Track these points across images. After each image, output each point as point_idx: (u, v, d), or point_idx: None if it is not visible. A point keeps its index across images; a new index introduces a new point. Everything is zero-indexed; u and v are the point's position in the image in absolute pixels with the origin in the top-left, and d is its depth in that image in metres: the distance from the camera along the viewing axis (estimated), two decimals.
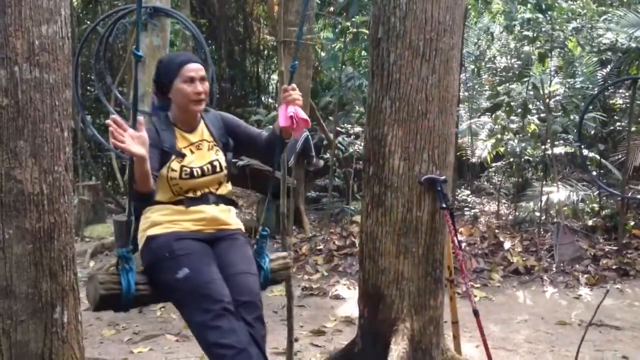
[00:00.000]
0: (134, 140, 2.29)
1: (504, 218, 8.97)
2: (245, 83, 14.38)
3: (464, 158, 10.65)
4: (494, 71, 9.69)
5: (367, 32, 6.87)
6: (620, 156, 8.25)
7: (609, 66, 9.08)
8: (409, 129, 3.44)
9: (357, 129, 8.90)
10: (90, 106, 13.11)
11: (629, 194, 7.78)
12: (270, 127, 3.38)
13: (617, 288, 6.20)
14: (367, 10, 7.93)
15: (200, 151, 2.76)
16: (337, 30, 8.38)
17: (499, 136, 8.37)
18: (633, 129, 7.76)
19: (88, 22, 12.46)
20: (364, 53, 8.17)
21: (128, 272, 2.55)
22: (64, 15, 2.89)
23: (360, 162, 3.97)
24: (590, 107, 8.07)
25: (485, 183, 11.22)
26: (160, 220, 2.67)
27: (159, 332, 4.97)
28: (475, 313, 3.57)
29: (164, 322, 5.21)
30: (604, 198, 8.39)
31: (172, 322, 5.21)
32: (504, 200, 9.86)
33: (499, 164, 10.49)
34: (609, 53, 8.49)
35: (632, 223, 7.83)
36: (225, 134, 2.89)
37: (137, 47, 2.35)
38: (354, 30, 7.51)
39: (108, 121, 2.28)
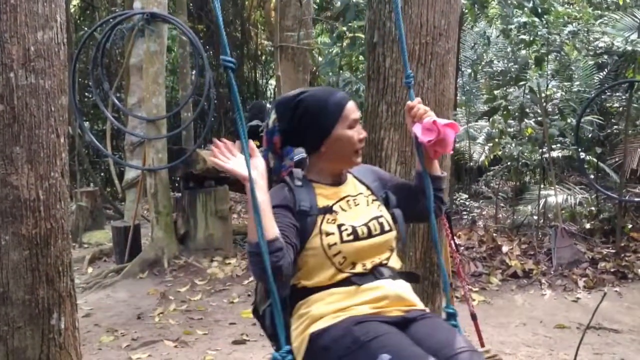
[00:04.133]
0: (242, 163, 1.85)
1: (502, 222, 8.97)
2: (243, 88, 14.40)
3: (462, 162, 10.65)
4: (491, 75, 9.70)
5: (363, 36, 6.89)
6: (617, 159, 8.26)
7: (605, 69, 9.11)
8: (406, 133, 3.44)
9: None
10: (88, 112, 13.13)
11: (627, 197, 7.79)
12: None
13: (616, 291, 6.20)
14: (363, 15, 7.94)
15: (357, 207, 2.13)
16: (334, 35, 8.38)
17: (497, 140, 8.38)
18: (630, 131, 7.78)
19: (85, 28, 12.50)
20: (361, 58, 8.17)
21: None
22: (59, 21, 2.90)
23: None
24: (587, 111, 8.07)
25: (483, 187, 11.21)
26: (325, 311, 1.97)
27: (158, 338, 4.96)
28: (473, 317, 3.57)
29: (162, 328, 5.20)
30: (602, 201, 8.39)
31: (170, 328, 5.21)
32: (502, 204, 9.86)
33: (496, 167, 10.50)
34: (605, 56, 8.52)
35: (630, 226, 7.83)
36: (381, 187, 2.28)
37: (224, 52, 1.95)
38: (351, 35, 7.52)
39: (215, 143, 1.87)
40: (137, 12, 7.09)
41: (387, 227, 2.12)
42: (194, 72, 11.08)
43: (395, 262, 2.16)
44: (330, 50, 10.36)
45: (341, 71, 8.31)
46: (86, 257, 7.62)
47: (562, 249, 6.86)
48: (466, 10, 8.20)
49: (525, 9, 7.41)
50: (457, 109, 8.78)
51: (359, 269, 2.03)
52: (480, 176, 11.52)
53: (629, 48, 7.08)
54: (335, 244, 2.00)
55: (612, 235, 7.59)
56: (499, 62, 9.66)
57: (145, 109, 7.27)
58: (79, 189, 9.38)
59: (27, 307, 2.80)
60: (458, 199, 9.67)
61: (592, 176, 8.55)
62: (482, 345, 3.92)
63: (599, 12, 9.13)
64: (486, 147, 9.88)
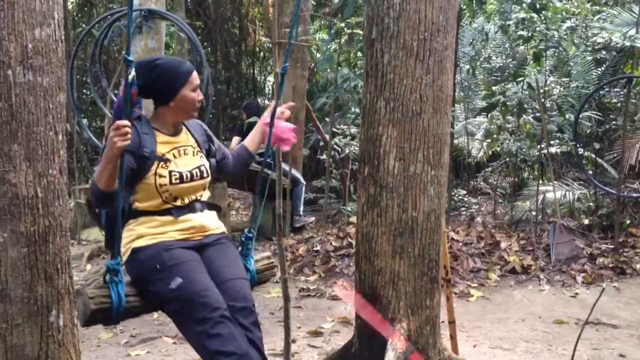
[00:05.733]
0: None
1: (500, 218, 8.98)
2: (241, 85, 14.38)
3: (460, 158, 10.65)
4: (489, 71, 9.70)
5: (361, 33, 6.88)
6: (615, 155, 8.27)
7: (603, 65, 9.11)
8: (404, 129, 3.44)
9: (353, 130, 8.90)
10: (87, 109, 13.10)
11: (625, 193, 7.80)
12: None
13: (614, 286, 6.22)
14: (362, 11, 7.93)
15: (186, 156, 2.77)
16: (332, 31, 8.37)
17: (495, 136, 8.38)
18: (628, 127, 7.78)
19: (83, 25, 12.46)
20: (359, 54, 8.16)
21: (117, 284, 2.53)
22: (57, 18, 2.89)
23: (357, 163, 3.98)
24: (586, 106, 8.08)
25: (482, 183, 11.22)
26: (146, 232, 2.65)
27: (156, 334, 4.97)
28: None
29: (161, 325, 5.21)
30: (600, 197, 8.40)
31: (169, 325, 5.20)
32: (500, 200, 9.87)
33: (495, 163, 10.50)
34: (604, 52, 8.51)
35: (629, 221, 7.84)
36: (207, 140, 2.95)
37: (127, 52, 2.37)
38: (349, 31, 7.51)
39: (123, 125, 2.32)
40: (135, 9, 7.07)
41: (205, 174, 2.79)
42: None
43: (205, 196, 2.84)
44: (329, 47, 10.36)
45: (339, 67, 8.30)
46: (85, 254, 7.61)
47: (560, 244, 6.87)
48: (464, 6, 8.19)
49: (524, 4, 7.40)
50: (456, 105, 8.77)
51: (178, 202, 2.70)
52: (478, 172, 11.53)
53: (627, 44, 7.08)
54: (165, 184, 2.64)
55: (610, 231, 7.60)
56: (497, 58, 9.67)
57: (143, 105, 7.25)
58: (77, 186, 9.36)
59: (26, 304, 2.80)
60: (456, 195, 9.69)
61: (590, 172, 8.57)
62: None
63: (597, 7, 9.13)
64: (484, 143, 9.88)
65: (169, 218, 2.68)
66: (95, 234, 8.86)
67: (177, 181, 2.68)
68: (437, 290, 3.65)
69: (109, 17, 7.20)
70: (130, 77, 2.45)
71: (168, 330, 5.05)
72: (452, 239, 7.16)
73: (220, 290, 2.56)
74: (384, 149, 3.48)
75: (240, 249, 2.96)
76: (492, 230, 7.83)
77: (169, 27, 9.67)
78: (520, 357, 4.48)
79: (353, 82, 8.05)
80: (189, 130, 2.88)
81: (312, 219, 8.55)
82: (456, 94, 9.20)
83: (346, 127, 9.23)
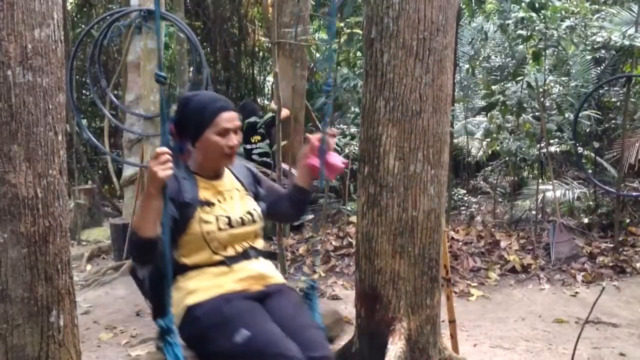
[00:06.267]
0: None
1: (500, 217, 8.98)
2: (240, 85, 14.37)
3: (460, 157, 10.66)
4: (489, 70, 9.70)
5: (361, 32, 6.88)
6: (615, 154, 8.27)
7: (603, 64, 9.12)
8: (404, 128, 3.44)
9: (353, 129, 8.90)
10: (86, 110, 13.10)
11: (625, 192, 7.80)
12: None
13: (614, 285, 6.22)
14: (361, 11, 7.93)
15: (233, 201, 2.52)
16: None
17: (495, 135, 8.38)
18: (628, 126, 7.79)
19: (82, 26, 12.47)
20: (358, 54, 8.16)
21: (174, 346, 2.22)
22: (56, 18, 2.90)
23: (356, 162, 3.98)
24: (585, 105, 8.08)
25: (481, 182, 11.23)
26: (199, 287, 2.37)
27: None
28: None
29: None
30: (600, 196, 8.40)
31: None
32: (500, 199, 9.88)
33: (494, 163, 10.51)
34: (603, 51, 8.52)
35: (628, 220, 7.85)
36: (254, 183, 2.69)
37: (159, 67, 2.17)
38: (349, 31, 7.51)
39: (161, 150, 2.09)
40: (134, 9, 7.08)
41: (256, 218, 2.54)
42: (191, 68, 11.07)
43: (260, 244, 2.57)
44: (328, 46, 10.36)
45: (339, 67, 8.30)
46: (85, 254, 7.62)
47: (560, 243, 6.87)
48: (464, 6, 8.19)
49: (523, 4, 7.40)
50: (455, 104, 8.77)
51: (230, 252, 2.43)
52: (478, 171, 11.54)
53: (627, 42, 7.08)
54: (212, 231, 2.38)
55: (610, 230, 7.60)
56: (496, 57, 9.66)
57: (143, 106, 7.26)
58: (77, 186, 9.37)
59: (26, 304, 2.80)
60: (456, 195, 9.69)
61: (590, 171, 8.57)
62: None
63: (596, 6, 9.14)
64: (484, 143, 9.89)
65: (222, 268, 2.41)
66: (95, 235, 8.87)
67: (226, 226, 2.41)
68: (438, 290, 3.65)
69: (108, 17, 7.20)
70: (171, 110, 2.33)
71: None
72: (452, 238, 7.16)
73: (295, 339, 2.26)
74: (383, 149, 3.48)
75: (304, 302, 2.67)
76: (492, 229, 7.84)
77: (169, 27, 9.66)
78: (520, 356, 4.48)
79: (352, 82, 8.05)
80: (232, 172, 2.62)
81: (311, 216, 8.54)
82: (456, 93, 9.20)
83: (346, 126, 9.23)
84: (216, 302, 2.32)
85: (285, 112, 7.22)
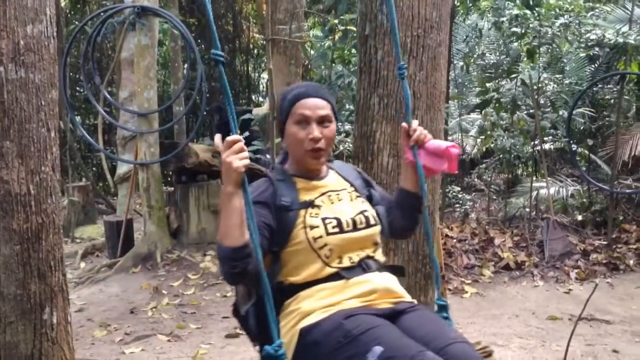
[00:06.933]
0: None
1: (494, 214, 9.00)
2: (235, 82, 14.37)
3: None
4: (483, 68, 9.71)
5: (355, 29, 6.88)
6: (609, 151, 8.30)
7: (597, 62, 9.14)
8: (398, 125, 3.44)
9: (347, 126, 8.90)
10: (80, 107, 13.07)
11: (618, 189, 7.83)
12: None
13: (607, 282, 6.24)
14: (355, 8, 7.93)
15: (341, 202, 2.10)
16: (326, 28, 8.35)
17: (489, 132, 8.40)
18: (621, 124, 7.81)
19: (76, 22, 12.42)
20: (353, 51, 8.16)
21: None
22: (49, 14, 2.88)
23: (351, 159, 3.98)
24: (579, 103, 8.10)
25: (476, 180, 11.24)
26: (314, 307, 1.93)
27: (151, 332, 4.96)
28: None
29: (155, 323, 5.20)
30: (594, 193, 8.43)
31: (163, 322, 5.21)
32: (494, 197, 9.90)
33: (489, 160, 10.53)
34: (597, 49, 8.55)
35: (622, 217, 7.88)
36: (365, 185, 2.27)
37: (215, 46, 1.78)
38: (343, 28, 7.51)
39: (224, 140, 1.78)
40: (128, 6, 7.06)
41: (372, 221, 2.09)
42: (185, 65, 11.05)
43: (380, 256, 2.12)
44: (323, 44, 10.35)
45: (333, 64, 8.29)
46: (79, 251, 7.61)
47: (554, 240, 6.89)
48: (458, 3, 8.20)
49: (517, 1, 7.42)
50: (449, 101, 8.79)
51: (346, 262, 2.00)
52: (472, 169, 11.55)
53: (620, 40, 7.11)
54: (320, 236, 1.97)
55: (603, 227, 7.64)
56: (490, 54, 9.68)
57: (136, 102, 7.24)
58: (71, 183, 9.35)
59: (19, 302, 2.79)
60: (450, 192, 9.70)
61: (583, 168, 8.60)
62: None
63: (591, 4, 9.16)
64: (478, 140, 9.91)
65: (339, 283, 1.97)
66: (89, 232, 8.86)
67: (336, 230, 2.00)
68: (431, 287, 3.65)
69: (102, 14, 7.18)
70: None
71: (163, 328, 5.05)
72: (446, 235, 7.18)
73: (444, 358, 1.78)
74: (377, 146, 3.47)
75: None
76: (486, 226, 7.86)
77: (163, 24, 9.64)
78: (514, 353, 4.49)
79: (347, 79, 8.05)
80: (338, 173, 2.23)
81: None
82: (450, 90, 9.21)
83: (340, 124, 9.23)
84: (334, 318, 1.88)
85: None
